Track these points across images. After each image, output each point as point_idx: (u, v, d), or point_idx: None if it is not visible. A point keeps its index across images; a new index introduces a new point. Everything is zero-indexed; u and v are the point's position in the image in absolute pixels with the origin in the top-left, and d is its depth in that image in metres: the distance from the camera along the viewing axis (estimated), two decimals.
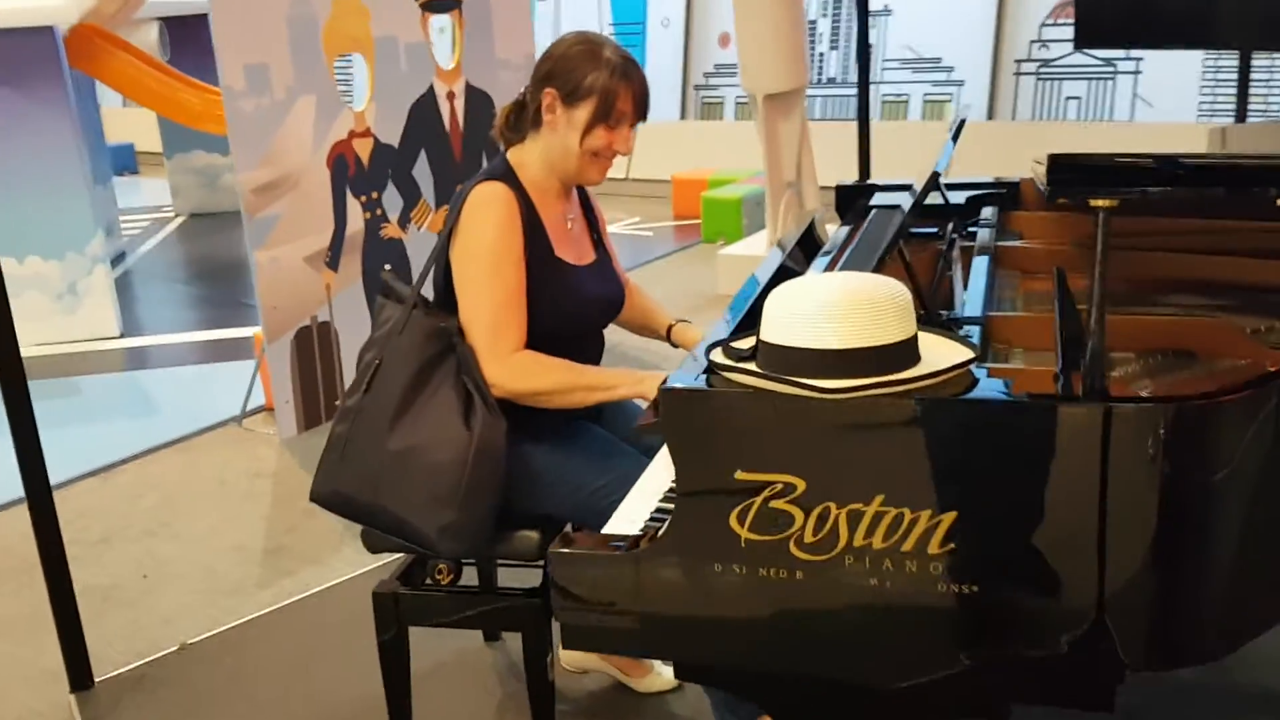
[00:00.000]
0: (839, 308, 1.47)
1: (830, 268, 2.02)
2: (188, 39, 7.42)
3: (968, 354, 1.53)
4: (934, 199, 2.56)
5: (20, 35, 5.39)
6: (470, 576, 2.34)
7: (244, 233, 4.03)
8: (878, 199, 2.65)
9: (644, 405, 1.92)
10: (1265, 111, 6.77)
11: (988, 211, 2.55)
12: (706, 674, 1.67)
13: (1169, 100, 7.17)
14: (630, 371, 2.05)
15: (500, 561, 2.44)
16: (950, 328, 1.77)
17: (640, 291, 2.50)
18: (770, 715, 1.78)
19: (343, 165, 4.29)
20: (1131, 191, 1.31)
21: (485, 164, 3.49)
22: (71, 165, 5.55)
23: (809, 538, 1.49)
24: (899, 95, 8.09)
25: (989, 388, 1.46)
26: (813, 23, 8.36)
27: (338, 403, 3.06)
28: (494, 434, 1.97)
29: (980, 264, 2.14)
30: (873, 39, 8.12)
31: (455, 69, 4.73)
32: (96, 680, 2.76)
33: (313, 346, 4.26)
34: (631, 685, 2.54)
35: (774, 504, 1.49)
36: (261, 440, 4.31)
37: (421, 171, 4.62)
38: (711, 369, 1.56)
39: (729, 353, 1.60)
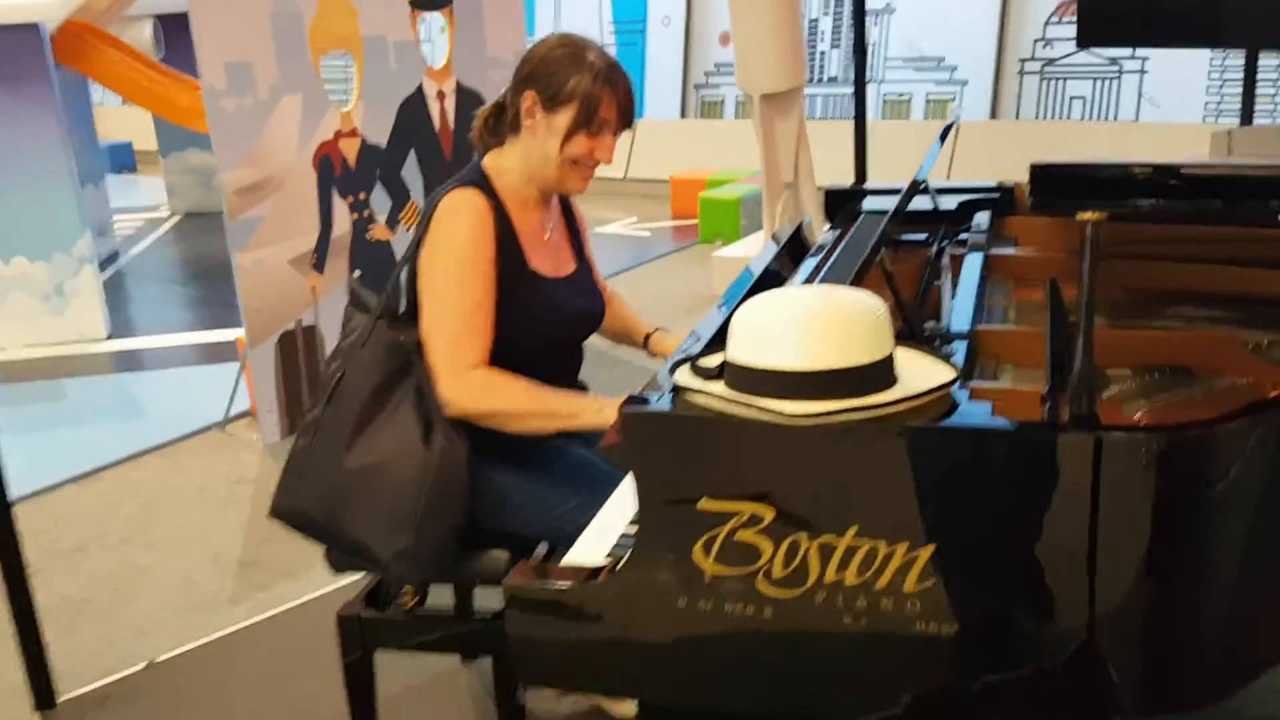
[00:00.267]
0: (808, 326, 1.37)
1: (811, 278, 1.92)
2: (182, 36, 7.29)
3: (949, 374, 1.44)
4: (926, 205, 2.47)
5: (4, 32, 5.31)
6: (446, 597, 2.26)
7: (226, 235, 3.96)
8: (870, 203, 2.55)
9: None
10: (1273, 113, 6.65)
11: (981, 217, 2.45)
12: (672, 716, 1.57)
13: (1175, 100, 7.06)
14: (595, 399, 1.94)
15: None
16: (934, 343, 1.68)
17: (619, 299, 2.41)
18: None
19: (329, 166, 4.21)
20: (1120, 206, 1.21)
21: None
22: (58, 165, 5.46)
23: (778, 572, 1.39)
24: (901, 94, 7.98)
25: (969, 413, 1.37)
26: (814, 21, 8.26)
27: None
28: (454, 455, 1.87)
29: (971, 272, 2.04)
30: (875, 37, 8.02)
31: (445, 68, 4.64)
32: (60, 699, 2.68)
33: (297, 351, 4.18)
34: (609, 710, 2.44)
35: (741, 535, 1.39)
36: (245, 446, 4.23)
37: (411, 172, 4.54)
38: (675, 389, 1.47)
39: (696, 370, 1.51)
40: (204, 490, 3.86)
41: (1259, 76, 4.91)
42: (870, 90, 7.93)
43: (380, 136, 4.38)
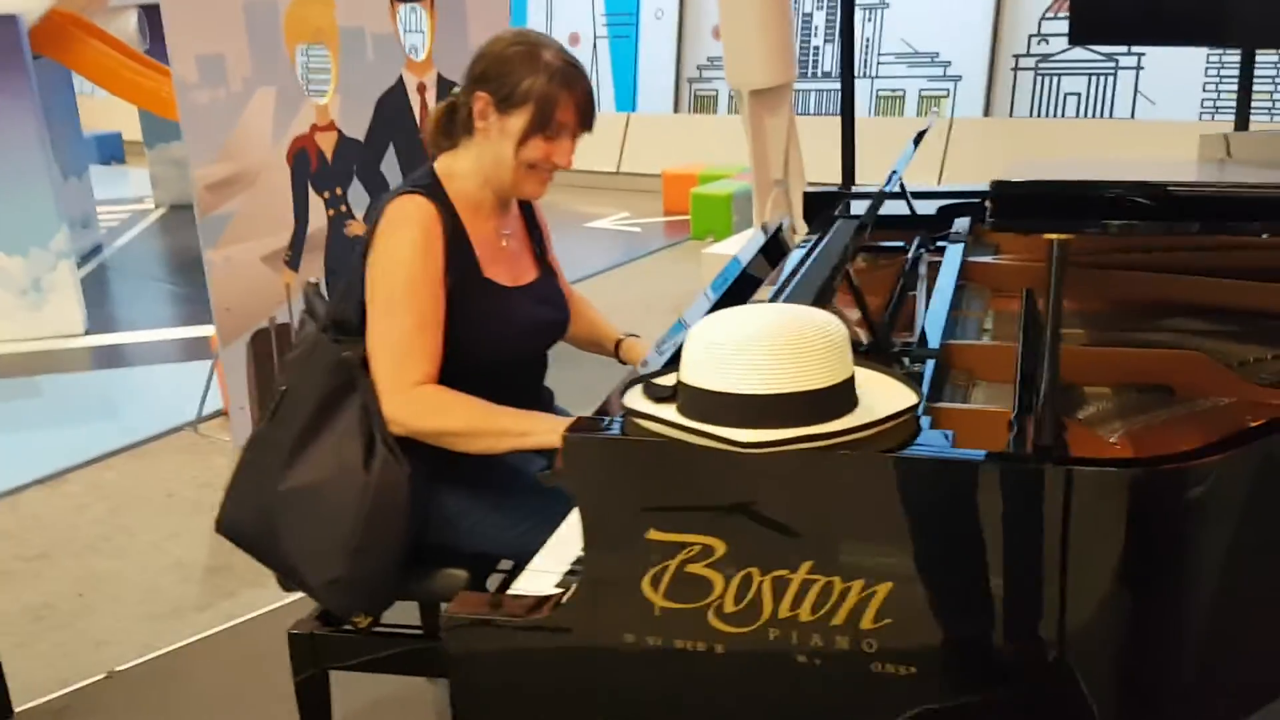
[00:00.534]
0: (762, 348, 1.29)
1: (777, 295, 1.84)
2: None
3: (911, 399, 1.36)
4: (902, 210, 2.39)
5: None
6: (411, 613, 2.19)
7: (197, 231, 3.87)
8: (852, 207, 2.48)
9: None
10: (1271, 111, 6.56)
11: (960, 223, 2.37)
12: None
13: (1171, 98, 6.98)
14: (549, 417, 1.84)
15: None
16: (900, 361, 1.60)
17: (587, 304, 2.32)
18: None
19: (304, 160, 4.12)
20: (1091, 228, 1.13)
21: None
22: (35, 159, 5.38)
23: (730, 607, 1.32)
24: (895, 90, 7.90)
25: (929, 441, 1.29)
26: (807, 16, 8.17)
27: None
28: (394, 479, 1.77)
29: (945, 283, 1.96)
30: (869, 33, 7.93)
31: (427, 60, 4.55)
32: (16, 711, 2.60)
33: (271, 349, 4.10)
34: None
35: (691, 568, 1.32)
36: (216, 447, 4.15)
37: (390, 166, 4.44)
38: (625, 413, 1.39)
39: (649, 390, 1.43)
40: (171, 495, 3.78)
41: (1256, 74, 4.83)
42: (863, 86, 7.86)
43: (358, 130, 4.29)
